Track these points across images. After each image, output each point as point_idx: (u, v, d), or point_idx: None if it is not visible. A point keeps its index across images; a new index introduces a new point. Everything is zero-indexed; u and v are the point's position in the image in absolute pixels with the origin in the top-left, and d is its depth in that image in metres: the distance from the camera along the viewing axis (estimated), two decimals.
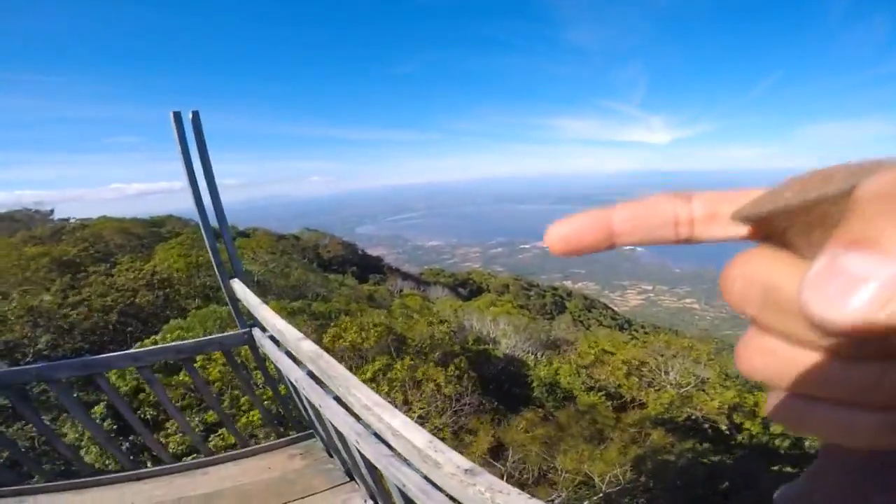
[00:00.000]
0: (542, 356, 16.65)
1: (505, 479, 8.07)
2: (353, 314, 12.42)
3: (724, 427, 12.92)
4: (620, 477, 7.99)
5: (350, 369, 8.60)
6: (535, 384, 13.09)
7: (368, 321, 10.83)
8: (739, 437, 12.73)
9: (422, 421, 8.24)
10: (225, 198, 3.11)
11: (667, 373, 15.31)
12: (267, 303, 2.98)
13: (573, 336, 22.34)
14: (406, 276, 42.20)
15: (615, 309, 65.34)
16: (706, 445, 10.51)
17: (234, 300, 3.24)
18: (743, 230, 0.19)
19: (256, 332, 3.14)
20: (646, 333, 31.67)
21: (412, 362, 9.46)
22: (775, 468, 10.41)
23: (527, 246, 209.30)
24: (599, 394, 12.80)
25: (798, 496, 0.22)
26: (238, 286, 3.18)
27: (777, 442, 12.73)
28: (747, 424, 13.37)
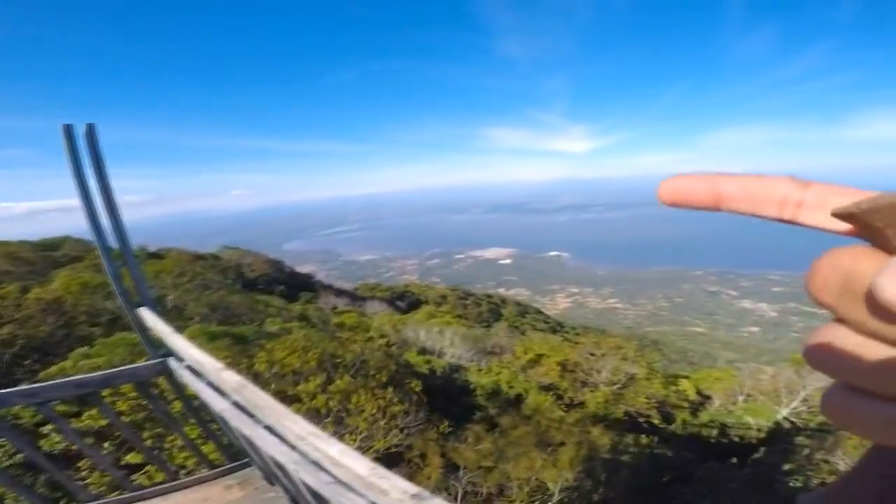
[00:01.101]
0: (484, 364, 16.83)
1: (461, 496, 7.94)
2: (283, 335, 11.79)
3: (656, 420, 13.80)
4: (572, 479, 8.12)
5: (284, 393, 8.12)
6: (479, 392, 13.18)
7: (301, 342, 10.35)
8: (672, 428, 13.64)
9: (366, 443, 8.00)
10: (133, 215, 2.81)
11: (599, 372, 16.12)
12: (185, 329, 2.74)
13: (510, 342, 22.86)
14: (340, 293, 41.04)
15: (547, 313, 68.09)
16: (644, 439, 11.10)
17: (143, 329, 2.93)
18: (843, 225, 0.19)
19: (172, 361, 2.94)
20: (577, 335, 33.20)
21: (351, 381, 9.11)
22: (707, 456, 11.22)
23: (462, 256, 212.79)
24: (548, 394, 13.13)
25: (829, 497, 0.22)
26: (147, 314, 2.86)
27: (705, 431, 13.80)
28: (677, 415, 14.39)
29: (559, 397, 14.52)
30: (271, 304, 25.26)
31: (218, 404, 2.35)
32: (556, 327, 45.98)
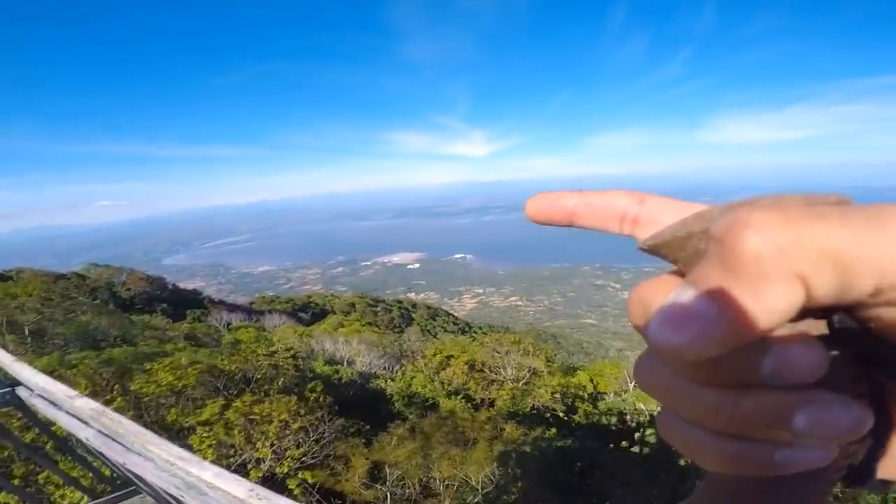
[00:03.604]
0: (397, 370, 16.45)
1: (389, 500, 7.80)
2: (167, 356, 10.51)
3: (560, 412, 14.51)
4: (491, 475, 8.21)
5: (174, 417, 7.22)
6: (395, 398, 12.81)
7: (187, 360, 9.32)
8: (576, 418, 14.44)
9: (277, 457, 7.73)
10: None
11: (504, 368, 16.62)
12: (44, 356, 2.26)
13: (422, 346, 22.76)
14: (234, 308, 37.71)
15: (455, 315, 69.66)
16: (552, 431, 11.56)
17: None
18: None
19: (22, 391, 2.74)
20: (483, 334, 34.28)
21: (252, 398, 8.61)
22: (611, 445, 12.01)
23: (368, 262, 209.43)
24: (458, 397, 13.12)
25: None
26: None
27: (605, 420, 14.81)
28: (579, 406, 15.27)
29: (469, 397, 14.66)
30: (151, 324, 22.54)
31: (81, 432, 2.27)
32: (464, 328, 47.14)
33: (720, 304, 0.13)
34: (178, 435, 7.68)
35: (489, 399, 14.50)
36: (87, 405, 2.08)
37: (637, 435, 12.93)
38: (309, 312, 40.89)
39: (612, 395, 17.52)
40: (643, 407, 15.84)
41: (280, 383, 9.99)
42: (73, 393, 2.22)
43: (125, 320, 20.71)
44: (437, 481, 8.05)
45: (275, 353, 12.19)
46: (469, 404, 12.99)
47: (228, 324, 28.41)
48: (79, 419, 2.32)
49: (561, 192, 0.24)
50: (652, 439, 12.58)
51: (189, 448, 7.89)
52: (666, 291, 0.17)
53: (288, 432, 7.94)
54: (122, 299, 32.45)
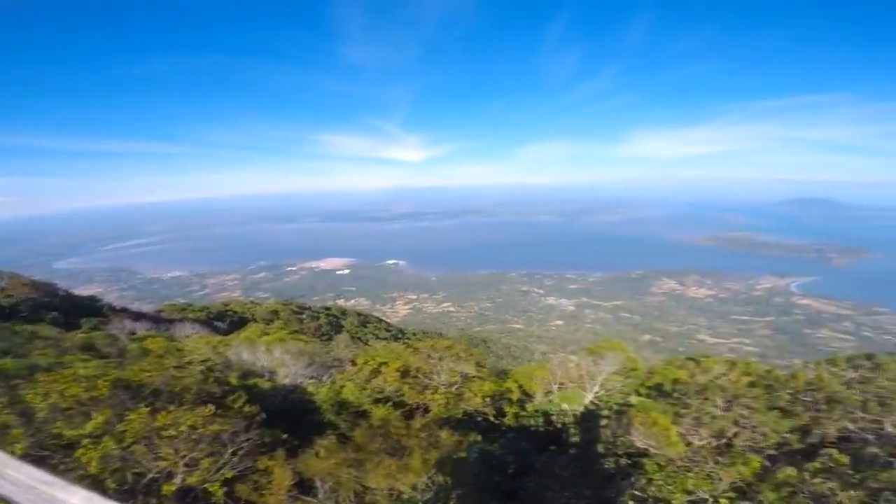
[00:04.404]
0: (326, 378, 15.67)
1: None
2: (66, 368, 9.42)
3: (492, 416, 14.65)
4: (429, 483, 8.02)
5: (59, 430, 6.48)
6: (324, 408, 12.16)
7: (89, 372, 8.40)
8: (506, 421, 14.63)
9: (189, 469, 7.28)
10: None
11: (438, 374, 16.53)
12: None
13: (353, 353, 22.05)
14: (139, 317, 34.23)
15: (388, 321, 68.67)
16: (483, 437, 11.57)
17: None
18: None
19: None
20: (417, 340, 34.07)
21: (155, 409, 8.01)
22: (539, 445, 12.25)
23: (294, 268, 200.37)
24: (388, 405, 12.74)
25: None
26: None
27: (531, 421, 15.15)
28: (508, 409, 15.51)
29: (403, 404, 14.36)
30: (39, 334, 19.73)
31: None
32: (397, 334, 46.54)
33: None
34: (67, 449, 7.20)
35: (423, 405, 14.27)
36: None
37: (563, 436, 13.40)
38: (226, 321, 38.12)
39: (539, 395, 18.06)
40: (567, 407, 16.46)
41: (194, 394, 9.41)
42: None
43: (6, 331, 18.04)
44: (373, 492, 7.70)
45: (189, 363, 11.17)
46: (403, 411, 12.67)
47: (133, 333, 25.70)
48: None
49: None
50: (576, 439, 13.07)
51: (76, 462, 7.01)
52: None
53: (199, 441, 7.46)
54: (2, 307, 28.11)
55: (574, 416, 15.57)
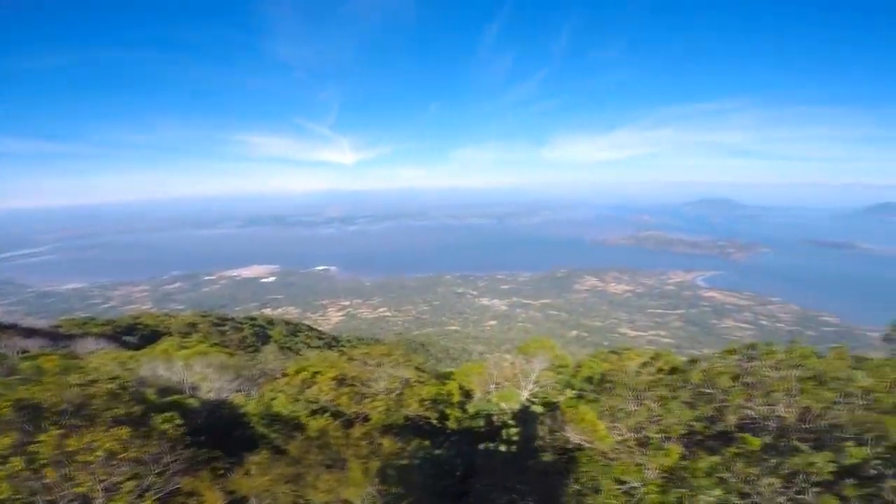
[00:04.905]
0: (254, 391, 14.62)
1: None
2: None
3: (434, 420, 14.48)
4: (374, 494, 7.71)
5: None
6: (255, 421, 11.31)
7: None
8: (449, 424, 14.53)
9: (109, 494, 6.89)
10: None
11: (376, 381, 16.09)
12: None
13: (283, 364, 20.89)
14: (31, 333, 29.95)
15: (320, 329, 66.13)
16: (428, 442, 11.37)
17: None
18: None
19: None
20: (353, 347, 33.10)
21: (65, 432, 7.35)
22: (483, 446, 12.25)
23: (213, 277, 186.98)
24: (325, 415, 12.12)
25: None
26: None
27: (474, 423, 15.18)
28: (450, 412, 15.42)
29: (341, 413, 13.80)
30: None
31: None
32: (331, 342, 44.92)
33: None
34: None
35: (363, 413, 13.76)
36: None
37: (504, 434, 13.55)
38: (137, 335, 34.59)
39: (478, 395, 18.22)
40: (505, 406, 16.75)
41: (108, 414, 8.59)
42: None
43: None
44: None
45: (94, 381, 9.94)
46: (341, 420, 12.12)
47: (23, 351, 22.38)
48: None
49: None
50: (516, 437, 13.26)
51: None
52: None
53: (119, 464, 6.98)
54: None
55: (512, 414, 15.86)
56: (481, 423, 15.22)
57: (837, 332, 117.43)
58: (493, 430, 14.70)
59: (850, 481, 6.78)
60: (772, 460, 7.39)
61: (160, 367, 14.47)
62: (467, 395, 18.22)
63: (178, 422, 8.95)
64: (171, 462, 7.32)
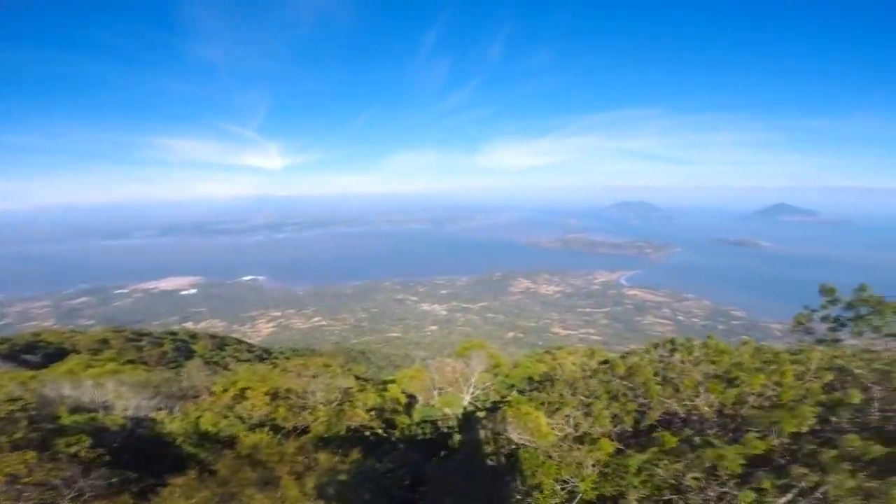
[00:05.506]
0: (177, 409, 13.55)
1: None
2: None
3: (379, 429, 14.24)
4: None
5: None
6: (180, 440, 10.47)
7: None
8: (395, 433, 14.34)
9: None
10: None
11: (313, 393, 15.54)
12: None
13: (210, 380, 19.55)
14: None
15: (250, 341, 62.41)
16: (373, 451, 11.13)
17: None
18: None
19: None
20: (287, 359, 31.68)
21: None
22: (429, 452, 12.24)
23: (125, 290, 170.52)
24: (264, 429, 11.51)
25: None
26: None
27: (420, 429, 15.12)
28: (396, 420, 15.24)
29: (278, 428, 13.19)
30: None
31: None
32: (262, 355, 42.62)
33: None
34: None
35: (302, 426, 13.22)
36: None
37: (449, 440, 13.64)
38: (39, 353, 30.68)
39: (421, 401, 18.21)
40: (449, 411, 16.86)
41: (4, 439, 7.75)
42: None
43: None
44: None
45: None
46: (278, 435, 11.56)
47: None
48: None
49: None
50: (462, 442, 13.35)
51: None
52: None
53: (24, 490, 6.30)
54: None
55: (457, 418, 15.98)
56: (427, 429, 15.21)
57: (744, 325, 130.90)
58: (439, 437, 14.74)
59: (761, 472, 7.05)
60: (689, 455, 7.68)
61: (66, 386, 12.94)
62: (411, 400, 18.15)
63: (88, 443, 8.09)
64: (86, 486, 6.63)
